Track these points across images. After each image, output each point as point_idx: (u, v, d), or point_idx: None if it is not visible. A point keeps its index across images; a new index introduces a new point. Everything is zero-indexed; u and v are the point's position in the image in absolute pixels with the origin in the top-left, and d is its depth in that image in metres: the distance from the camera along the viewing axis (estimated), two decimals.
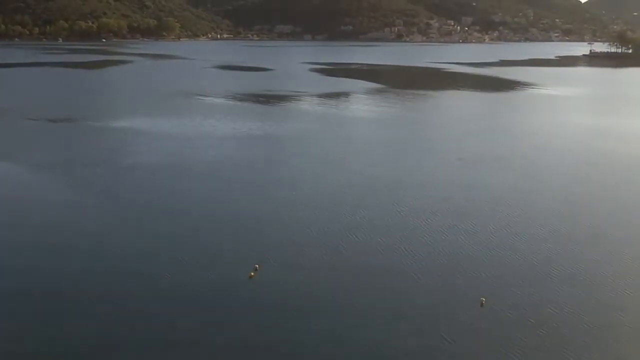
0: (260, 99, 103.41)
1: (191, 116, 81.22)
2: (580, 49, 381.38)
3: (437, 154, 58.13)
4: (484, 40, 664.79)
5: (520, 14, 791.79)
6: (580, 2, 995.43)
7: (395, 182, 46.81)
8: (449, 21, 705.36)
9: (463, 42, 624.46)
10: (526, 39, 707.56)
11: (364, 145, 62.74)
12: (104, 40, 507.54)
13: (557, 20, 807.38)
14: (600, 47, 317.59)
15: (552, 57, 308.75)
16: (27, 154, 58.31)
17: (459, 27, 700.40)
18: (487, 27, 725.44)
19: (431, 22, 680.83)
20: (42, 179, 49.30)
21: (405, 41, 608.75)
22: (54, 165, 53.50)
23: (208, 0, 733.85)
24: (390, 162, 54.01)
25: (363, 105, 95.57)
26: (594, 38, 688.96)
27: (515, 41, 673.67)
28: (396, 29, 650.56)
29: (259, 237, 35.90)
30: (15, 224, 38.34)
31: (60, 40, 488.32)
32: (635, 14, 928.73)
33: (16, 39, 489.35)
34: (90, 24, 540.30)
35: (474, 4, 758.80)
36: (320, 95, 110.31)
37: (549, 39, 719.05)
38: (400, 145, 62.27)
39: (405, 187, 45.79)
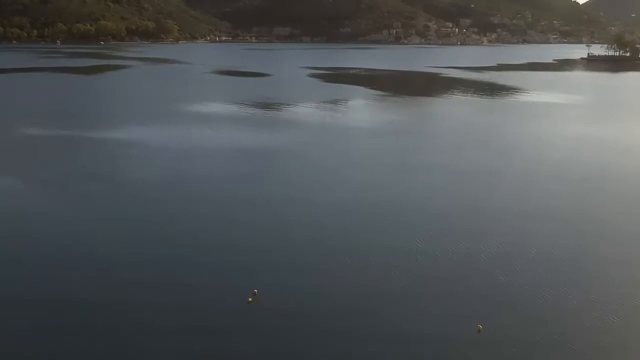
0: (258, 108, 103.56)
1: (188, 127, 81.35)
2: (579, 51, 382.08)
3: (434, 169, 58.27)
4: (483, 42, 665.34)
5: (519, 15, 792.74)
6: (579, 4, 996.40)
7: (394, 202, 46.90)
8: (447, 23, 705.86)
9: (461, 44, 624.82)
10: (524, 41, 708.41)
11: (361, 159, 62.87)
12: (102, 42, 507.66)
13: (555, 22, 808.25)
14: (599, 50, 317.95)
15: (550, 60, 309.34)
16: (20, 167, 58.32)
17: (457, 29, 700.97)
18: (486, 29, 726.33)
19: (429, 24, 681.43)
20: (34, 195, 49.40)
21: (404, 43, 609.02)
22: (45, 180, 53.75)
23: (206, 2, 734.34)
24: (390, 179, 54.09)
25: (361, 115, 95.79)
26: (592, 40, 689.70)
27: (513, 43, 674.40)
28: (394, 31, 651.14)
29: (256, 260, 35.98)
30: (9, 239, 38.53)
31: (59, 42, 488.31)
32: (633, 15, 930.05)
33: (14, 42, 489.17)
34: (88, 26, 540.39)
35: (472, 5, 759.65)
36: (318, 104, 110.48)
37: (547, 41, 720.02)
38: (398, 158, 62.45)
39: (404, 206, 45.92)
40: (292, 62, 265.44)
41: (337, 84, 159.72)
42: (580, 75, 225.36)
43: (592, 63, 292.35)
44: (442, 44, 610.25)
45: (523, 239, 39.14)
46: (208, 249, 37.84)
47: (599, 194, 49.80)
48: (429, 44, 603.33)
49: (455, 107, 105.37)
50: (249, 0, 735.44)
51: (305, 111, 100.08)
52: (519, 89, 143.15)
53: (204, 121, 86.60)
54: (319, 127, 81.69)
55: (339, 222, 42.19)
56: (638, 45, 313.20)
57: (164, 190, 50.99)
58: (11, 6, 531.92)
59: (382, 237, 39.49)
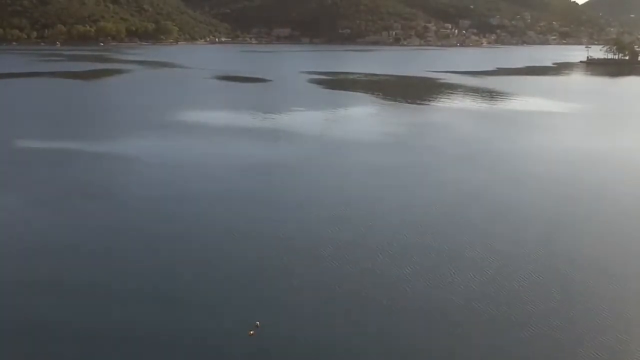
0: (258, 119, 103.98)
1: (185, 140, 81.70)
2: (577, 53, 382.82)
3: (429, 187, 58.71)
4: (482, 43, 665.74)
5: (518, 16, 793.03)
6: (577, 4, 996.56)
7: (394, 226, 47.13)
8: (446, 24, 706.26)
9: (461, 45, 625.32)
10: (524, 42, 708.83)
11: (360, 175, 63.17)
12: (101, 44, 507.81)
13: (554, 22, 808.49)
14: (597, 53, 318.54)
15: (549, 63, 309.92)
16: (9, 182, 58.65)
17: (456, 31, 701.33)
18: (485, 30, 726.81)
19: (429, 25, 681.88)
20: (22, 212, 49.83)
21: (403, 45, 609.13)
22: (36, 196, 54.13)
23: (206, 3, 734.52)
24: (389, 199, 54.40)
25: (360, 127, 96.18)
26: (591, 41, 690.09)
27: (512, 44, 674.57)
28: (394, 32, 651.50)
29: (258, 291, 36.22)
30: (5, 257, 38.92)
31: (58, 44, 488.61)
32: (632, 15, 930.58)
33: (14, 43, 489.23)
34: (88, 27, 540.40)
35: (472, 7, 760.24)
36: (318, 115, 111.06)
37: (547, 42, 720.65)
38: (397, 174, 62.86)
39: (404, 231, 46.21)
40: (292, 66, 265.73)
41: (337, 91, 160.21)
42: (579, 81, 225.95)
43: (591, 67, 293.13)
44: (442, 45, 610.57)
45: (519, 271, 39.49)
46: (208, 276, 38.06)
47: (596, 217, 50.11)
48: (429, 45, 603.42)
49: (453, 117, 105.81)
50: (249, 1, 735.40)
51: (305, 122, 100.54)
52: (518, 97, 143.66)
53: (202, 133, 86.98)
54: (318, 141, 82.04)
55: (340, 252, 42.16)
56: (637, 49, 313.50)
57: (160, 209, 51.15)
58: (11, 7, 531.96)
59: (384, 265, 39.64)
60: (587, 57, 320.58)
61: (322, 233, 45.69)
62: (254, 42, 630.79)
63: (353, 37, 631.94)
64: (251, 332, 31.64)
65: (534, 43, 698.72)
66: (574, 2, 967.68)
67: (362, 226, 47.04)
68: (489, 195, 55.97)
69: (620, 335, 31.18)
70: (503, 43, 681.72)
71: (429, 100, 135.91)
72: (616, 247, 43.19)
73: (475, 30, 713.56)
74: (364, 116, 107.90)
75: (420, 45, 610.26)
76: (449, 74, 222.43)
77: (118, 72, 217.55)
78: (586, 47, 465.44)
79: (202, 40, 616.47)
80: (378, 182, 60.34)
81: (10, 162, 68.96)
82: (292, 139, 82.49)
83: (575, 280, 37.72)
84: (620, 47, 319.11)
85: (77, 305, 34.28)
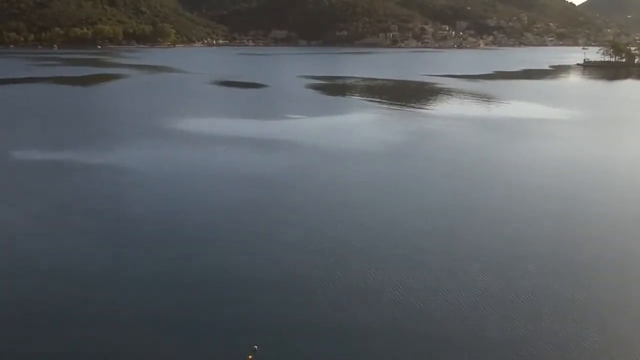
0: (252, 127, 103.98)
1: (181, 151, 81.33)
2: (574, 55, 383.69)
3: (425, 201, 58.76)
4: (479, 45, 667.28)
5: (515, 17, 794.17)
6: (574, 5, 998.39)
7: (391, 249, 46.99)
8: (443, 26, 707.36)
9: (458, 47, 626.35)
10: (521, 44, 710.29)
11: (356, 187, 63.17)
12: (99, 47, 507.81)
13: (551, 24, 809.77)
14: (594, 55, 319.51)
15: (546, 66, 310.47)
16: (6, 197, 58.45)
17: (453, 32, 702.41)
18: (482, 31, 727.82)
19: (426, 27, 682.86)
20: (11, 229, 49.63)
21: (400, 47, 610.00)
22: (27, 212, 53.88)
23: (203, 5, 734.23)
24: (389, 219, 54.29)
25: (357, 135, 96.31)
26: (588, 42, 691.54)
27: (509, 46, 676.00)
28: (391, 34, 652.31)
29: (257, 314, 36.08)
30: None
31: (56, 47, 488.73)
32: (629, 16, 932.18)
33: (11, 46, 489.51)
34: (85, 30, 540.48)
35: (469, 8, 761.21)
36: (314, 122, 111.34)
37: (544, 44, 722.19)
38: (393, 186, 62.93)
39: (401, 253, 46.18)
40: (289, 70, 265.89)
41: (334, 97, 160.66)
42: (576, 85, 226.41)
43: (588, 70, 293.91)
44: (439, 47, 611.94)
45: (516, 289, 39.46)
46: (205, 297, 38.01)
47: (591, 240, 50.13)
48: (426, 47, 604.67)
49: (450, 126, 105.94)
50: (246, 3, 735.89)
51: (301, 131, 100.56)
52: (515, 103, 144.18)
53: (198, 143, 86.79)
54: (314, 151, 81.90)
55: (341, 269, 42.10)
56: (634, 51, 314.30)
57: (155, 226, 51.02)
58: (8, 10, 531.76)
59: (384, 292, 39.54)
60: (584, 59, 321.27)
61: (319, 250, 45.50)
62: (251, 44, 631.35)
63: (350, 39, 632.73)
64: (250, 357, 31.60)
65: (531, 44, 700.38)
66: (571, 3, 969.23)
67: (361, 242, 47.04)
68: (487, 209, 55.96)
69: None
70: (500, 44, 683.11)
71: (427, 107, 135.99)
72: (620, 270, 43.04)
73: (472, 32, 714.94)
74: (360, 125, 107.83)
75: (418, 47, 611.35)
76: (446, 78, 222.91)
77: (115, 77, 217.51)
78: (583, 48, 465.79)
79: (200, 43, 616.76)
80: (374, 194, 60.33)
81: (3, 175, 68.71)
82: (287, 150, 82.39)
83: (574, 300, 37.73)
84: (617, 49, 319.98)
85: (70, 326, 34.04)
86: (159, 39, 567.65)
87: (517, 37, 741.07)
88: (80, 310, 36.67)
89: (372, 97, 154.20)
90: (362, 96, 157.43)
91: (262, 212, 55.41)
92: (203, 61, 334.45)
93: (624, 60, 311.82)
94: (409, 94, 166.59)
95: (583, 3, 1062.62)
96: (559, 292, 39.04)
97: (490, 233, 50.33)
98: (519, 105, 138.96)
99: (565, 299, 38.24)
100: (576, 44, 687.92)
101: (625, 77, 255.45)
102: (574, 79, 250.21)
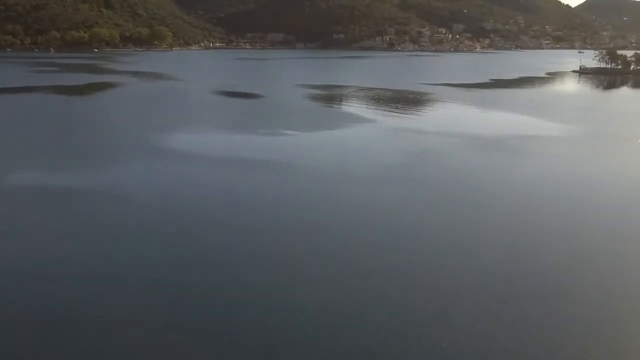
0: (247, 143, 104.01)
1: (173, 170, 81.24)
2: (571, 59, 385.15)
3: (427, 234, 58.91)
4: (475, 48, 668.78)
5: (511, 20, 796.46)
6: (571, 7, 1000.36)
7: (390, 276, 47.09)
8: (440, 29, 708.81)
9: (455, 50, 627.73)
10: (517, 47, 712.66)
11: (352, 210, 63.28)
12: (95, 50, 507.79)
13: (547, 26, 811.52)
14: (590, 61, 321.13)
15: (542, 73, 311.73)
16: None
17: (450, 35, 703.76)
18: (479, 34, 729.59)
19: (423, 30, 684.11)
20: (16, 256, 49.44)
21: (397, 50, 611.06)
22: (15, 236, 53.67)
23: (200, 7, 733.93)
24: (389, 244, 54.41)
25: (354, 153, 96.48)
26: (584, 45, 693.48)
27: (506, 49, 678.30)
28: (388, 37, 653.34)
29: (257, 338, 36.23)
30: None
31: (52, 50, 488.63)
32: (625, 19, 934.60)
33: (8, 49, 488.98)
34: (82, 33, 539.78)
35: (466, 11, 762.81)
36: (310, 138, 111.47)
37: (540, 47, 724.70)
38: (392, 216, 63.04)
39: (400, 281, 46.25)
40: (286, 77, 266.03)
41: (331, 109, 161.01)
42: (572, 94, 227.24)
43: (584, 77, 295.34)
44: (436, 50, 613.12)
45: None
46: (202, 333, 38.11)
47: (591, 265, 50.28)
48: (423, 50, 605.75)
49: (445, 144, 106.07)
50: (243, 6, 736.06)
51: (297, 149, 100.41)
52: (510, 116, 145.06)
53: (191, 161, 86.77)
54: (309, 172, 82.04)
55: (336, 300, 42.26)
56: (629, 58, 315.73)
57: (152, 252, 51.10)
58: (4, 13, 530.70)
59: (383, 318, 39.58)
60: (580, 66, 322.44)
61: (319, 275, 45.57)
62: (248, 47, 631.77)
63: (347, 42, 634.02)
64: None
65: (527, 47, 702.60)
66: (567, 5, 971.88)
67: (359, 265, 47.16)
68: (485, 232, 56.10)
69: None
70: (497, 47, 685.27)
71: (423, 122, 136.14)
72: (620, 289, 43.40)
73: (469, 35, 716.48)
74: (355, 142, 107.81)
75: (414, 50, 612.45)
76: (442, 87, 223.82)
77: (111, 85, 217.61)
78: (579, 52, 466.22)
79: (197, 46, 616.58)
80: (371, 218, 60.52)
81: None
82: (281, 170, 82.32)
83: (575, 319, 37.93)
84: (612, 56, 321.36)
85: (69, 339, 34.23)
86: (156, 42, 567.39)
87: (513, 40, 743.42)
88: (79, 322, 37.79)
89: (368, 109, 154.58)
90: (358, 108, 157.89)
91: (256, 232, 55.65)
92: (199, 68, 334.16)
93: (619, 67, 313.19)
94: (406, 106, 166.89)
95: (579, 5, 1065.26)
96: (562, 312, 39.50)
97: (492, 255, 50.86)
98: (515, 119, 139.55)
99: (570, 319, 38.86)
100: (573, 47, 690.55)
101: (621, 84, 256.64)
102: (570, 88, 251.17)
